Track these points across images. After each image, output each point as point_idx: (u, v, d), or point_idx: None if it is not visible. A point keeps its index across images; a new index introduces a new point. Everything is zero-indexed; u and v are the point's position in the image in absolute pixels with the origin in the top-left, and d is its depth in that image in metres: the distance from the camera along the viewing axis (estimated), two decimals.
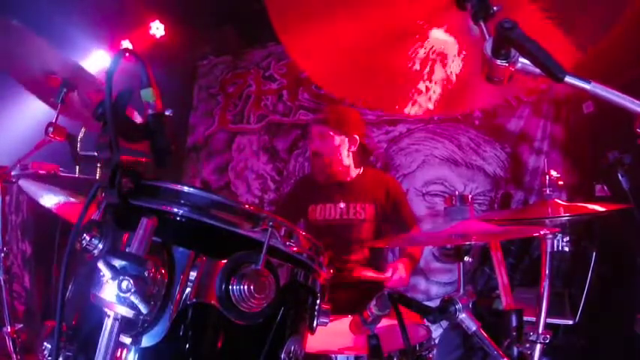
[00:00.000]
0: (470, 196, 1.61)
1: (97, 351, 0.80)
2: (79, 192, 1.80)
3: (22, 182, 1.90)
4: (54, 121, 1.80)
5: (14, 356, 1.92)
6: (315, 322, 1.11)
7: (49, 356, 0.97)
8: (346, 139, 2.69)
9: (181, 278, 0.90)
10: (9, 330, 1.90)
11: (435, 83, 1.26)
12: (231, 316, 0.91)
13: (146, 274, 0.81)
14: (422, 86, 1.27)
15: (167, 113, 0.99)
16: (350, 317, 1.40)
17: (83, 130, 1.96)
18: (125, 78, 0.98)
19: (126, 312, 0.79)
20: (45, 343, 0.98)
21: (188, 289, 0.90)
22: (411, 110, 1.33)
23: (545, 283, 1.83)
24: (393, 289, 2.55)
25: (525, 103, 3.88)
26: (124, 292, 0.77)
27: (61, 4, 3.82)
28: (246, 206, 0.98)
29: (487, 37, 0.86)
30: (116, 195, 0.87)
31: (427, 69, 1.23)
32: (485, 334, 1.22)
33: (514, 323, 1.76)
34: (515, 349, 1.76)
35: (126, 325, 0.83)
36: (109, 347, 0.80)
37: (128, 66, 0.98)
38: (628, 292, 2.72)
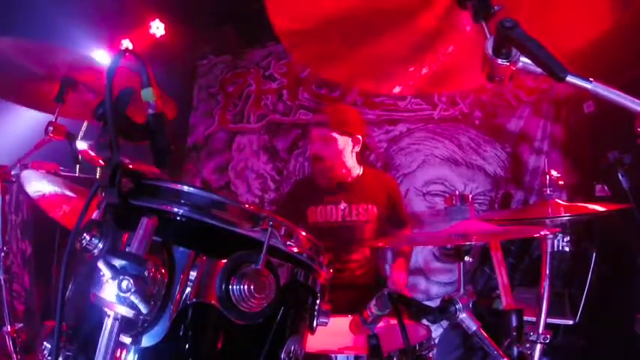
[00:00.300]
0: (470, 195, 1.61)
1: (97, 351, 0.80)
2: (78, 190, 1.80)
3: (24, 174, 1.90)
4: (54, 120, 1.79)
5: (14, 356, 1.91)
6: (315, 322, 1.11)
7: (48, 356, 0.97)
8: (350, 140, 2.65)
9: (181, 278, 0.90)
10: (9, 329, 1.90)
11: (424, 64, 1.27)
12: (231, 315, 0.91)
13: (146, 273, 0.81)
14: (412, 67, 1.27)
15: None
16: (350, 317, 1.40)
17: (83, 128, 1.96)
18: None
19: (126, 312, 0.79)
20: (45, 343, 0.98)
21: (188, 289, 0.90)
22: (397, 89, 1.33)
23: (545, 283, 1.83)
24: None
25: (525, 103, 3.87)
26: (124, 292, 0.77)
27: (62, 4, 3.82)
28: (246, 206, 0.98)
29: (488, 36, 0.85)
30: (116, 195, 0.87)
31: (416, 50, 1.24)
32: (485, 334, 1.22)
33: (514, 323, 1.76)
34: (515, 349, 1.76)
35: (126, 325, 0.83)
36: (109, 347, 0.80)
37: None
38: (628, 292, 2.72)
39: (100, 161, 0.92)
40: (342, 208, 2.66)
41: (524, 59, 0.80)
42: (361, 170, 2.77)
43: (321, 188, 2.72)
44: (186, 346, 0.90)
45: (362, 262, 2.65)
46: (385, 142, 4.27)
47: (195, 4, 4.59)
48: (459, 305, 1.20)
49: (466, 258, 1.73)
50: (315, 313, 1.11)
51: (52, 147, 1.87)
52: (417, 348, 1.60)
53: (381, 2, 1.16)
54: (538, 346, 1.77)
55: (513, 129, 3.90)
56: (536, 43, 0.76)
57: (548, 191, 1.88)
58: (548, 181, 1.89)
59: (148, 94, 0.97)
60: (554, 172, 1.91)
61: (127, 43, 4.64)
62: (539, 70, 0.78)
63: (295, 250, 1.01)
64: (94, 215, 0.97)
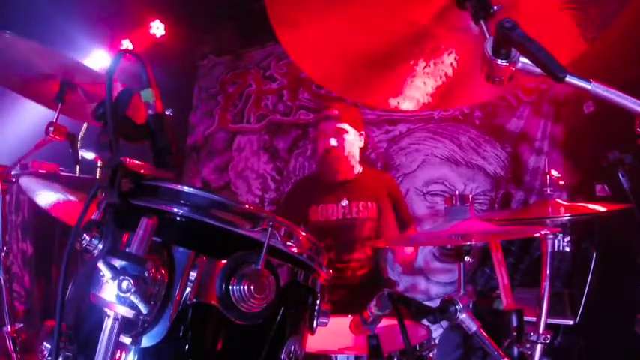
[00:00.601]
0: (470, 196, 1.61)
1: (97, 351, 0.80)
2: (78, 190, 1.80)
3: (23, 180, 1.90)
4: (54, 120, 1.79)
5: (14, 356, 1.92)
6: (315, 322, 1.11)
7: (48, 356, 0.97)
8: (358, 135, 2.75)
9: (181, 278, 0.90)
10: (9, 329, 1.90)
11: (431, 79, 1.27)
12: (231, 316, 0.91)
13: (146, 274, 0.81)
14: (418, 82, 1.27)
15: (167, 113, 0.99)
16: (350, 317, 1.40)
17: (83, 129, 1.96)
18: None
19: (126, 312, 0.79)
20: (45, 343, 0.98)
21: (188, 289, 0.90)
22: (404, 105, 1.33)
23: (546, 283, 1.83)
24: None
25: (525, 103, 3.87)
26: (124, 292, 0.77)
27: (61, 4, 3.82)
28: (246, 206, 0.98)
29: (487, 36, 0.86)
30: (116, 195, 0.87)
31: (423, 64, 1.24)
32: (485, 334, 1.22)
33: (514, 323, 1.76)
34: (515, 349, 1.76)
35: (126, 325, 0.83)
36: (109, 347, 0.80)
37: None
38: (628, 292, 2.71)
39: (100, 162, 0.92)
40: (344, 205, 2.67)
41: (523, 60, 0.81)
42: (361, 169, 2.81)
43: (322, 186, 2.74)
44: (186, 347, 0.90)
45: (363, 262, 2.65)
46: (385, 142, 4.27)
47: (195, 4, 4.60)
48: (459, 305, 1.20)
49: (466, 258, 1.73)
50: (315, 313, 1.11)
51: (53, 147, 1.87)
52: (418, 348, 1.60)
53: (385, 15, 1.16)
54: (538, 346, 1.77)
55: (513, 129, 3.90)
56: (535, 43, 0.76)
57: (548, 191, 1.88)
58: (548, 181, 1.89)
59: (148, 94, 0.97)
60: (554, 172, 1.91)
61: (127, 44, 4.64)
62: (538, 70, 0.78)
63: (295, 250, 1.01)
64: (94, 215, 0.98)
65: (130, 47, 4.61)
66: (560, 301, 2.74)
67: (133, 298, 0.78)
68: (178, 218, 0.93)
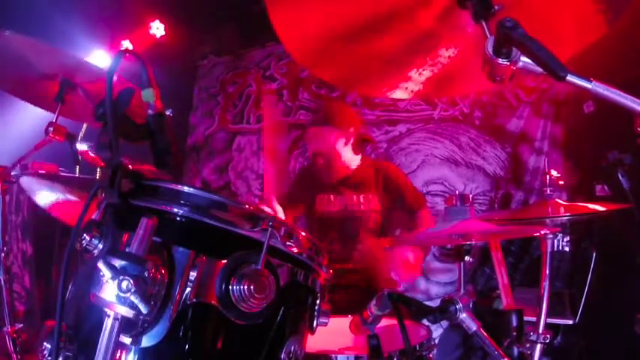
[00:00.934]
0: (470, 196, 1.61)
1: (97, 351, 0.80)
2: (78, 190, 1.79)
3: (23, 179, 1.90)
4: (54, 120, 1.79)
5: (14, 356, 1.92)
6: (315, 323, 1.11)
7: (48, 356, 0.96)
8: (341, 135, 2.67)
9: (181, 278, 0.90)
10: (9, 330, 1.90)
11: (423, 68, 1.27)
12: (231, 316, 0.91)
13: (146, 274, 0.81)
14: (412, 72, 1.28)
15: (167, 113, 0.99)
16: (350, 317, 1.40)
17: (83, 130, 1.96)
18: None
19: (126, 312, 0.79)
20: (45, 343, 0.98)
21: (188, 289, 0.90)
22: (397, 94, 1.34)
23: (545, 283, 1.83)
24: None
25: (525, 103, 3.87)
26: (124, 292, 0.77)
27: (61, 4, 3.82)
28: (246, 206, 0.98)
29: (488, 35, 0.85)
30: (116, 195, 0.87)
31: (416, 54, 1.24)
32: (485, 334, 1.22)
33: (514, 323, 1.77)
34: (515, 349, 1.76)
35: (126, 325, 0.83)
36: (109, 347, 0.80)
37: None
38: (628, 292, 2.72)
39: (100, 162, 0.92)
40: (345, 198, 2.66)
41: (524, 59, 0.81)
42: (360, 162, 2.76)
43: (324, 184, 2.73)
44: (186, 347, 0.90)
45: (367, 255, 2.62)
46: (385, 143, 4.27)
47: (195, 4, 4.60)
48: (459, 305, 1.20)
49: (466, 258, 1.73)
50: (315, 313, 1.11)
51: (53, 148, 1.87)
52: (417, 348, 1.60)
53: (381, 5, 1.16)
54: (538, 346, 1.77)
55: (513, 129, 3.90)
56: (536, 42, 0.76)
57: (548, 191, 1.88)
58: (548, 181, 1.89)
59: (148, 94, 0.97)
60: (554, 172, 1.91)
61: (127, 44, 4.64)
62: (539, 69, 0.78)
63: (295, 250, 1.01)
64: (94, 215, 0.97)
65: (130, 47, 4.61)
66: (560, 301, 2.74)
67: (133, 298, 0.78)
68: (178, 218, 0.93)
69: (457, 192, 1.62)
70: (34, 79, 1.79)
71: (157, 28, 4.77)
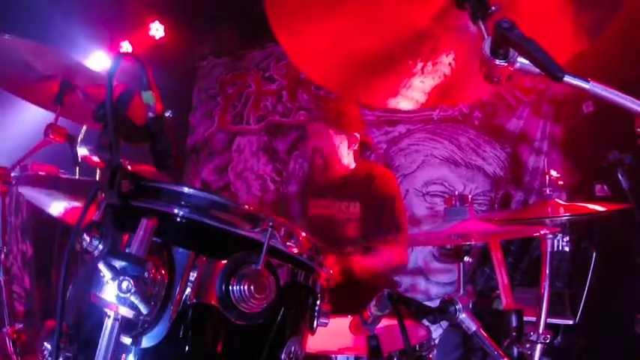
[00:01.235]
0: (470, 196, 1.61)
1: (97, 351, 0.80)
2: (79, 195, 1.79)
3: (24, 190, 1.89)
4: (54, 122, 1.79)
5: (14, 357, 1.91)
6: (315, 323, 1.11)
7: (49, 356, 0.97)
8: (345, 138, 2.64)
9: (181, 279, 0.90)
10: (9, 330, 1.90)
11: (428, 77, 1.27)
12: (232, 316, 0.91)
13: (146, 274, 0.81)
14: (416, 81, 1.28)
15: (167, 114, 0.99)
16: (350, 317, 1.40)
17: (83, 131, 1.96)
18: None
19: (126, 312, 0.79)
20: (45, 344, 0.98)
21: (188, 290, 0.90)
22: (402, 104, 1.34)
23: (545, 283, 1.84)
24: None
25: (525, 103, 3.88)
26: (125, 293, 0.78)
27: (61, 5, 3.83)
28: (246, 207, 0.98)
29: (485, 36, 0.86)
30: (116, 196, 0.87)
31: (421, 64, 1.24)
32: (485, 334, 1.22)
33: (514, 323, 1.77)
34: (515, 349, 1.76)
35: (126, 326, 0.83)
36: (109, 347, 0.80)
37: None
38: (628, 292, 2.72)
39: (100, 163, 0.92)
40: (330, 204, 2.62)
41: (521, 60, 0.81)
42: (353, 166, 2.70)
43: (315, 185, 2.71)
44: (187, 347, 0.90)
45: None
46: (385, 143, 4.27)
47: (196, 5, 4.60)
48: (459, 306, 1.20)
49: (466, 258, 1.73)
50: (316, 313, 1.11)
51: (53, 149, 1.87)
52: (417, 348, 1.60)
53: (382, 11, 1.16)
54: (538, 346, 1.78)
55: (513, 129, 3.90)
56: (533, 43, 0.76)
57: (548, 191, 1.88)
58: (547, 181, 1.89)
59: (148, 97, 0.97)
60: (553, 172, 1.91)
61: (126, 45, 4.64)
62: (537, 70, 0.78)
63: (295, 250, 1.01)
64: (95, 216, 0.98)
65: (130, 49, 4.62)
66: (560, 301, 2.74)
67: (133, 298, 0.78)
68: (178, 219, 0.93)
69: (457, 192, 1.62)
70: (35, 80, 1.79)
71: (157, 30, 4.78)
